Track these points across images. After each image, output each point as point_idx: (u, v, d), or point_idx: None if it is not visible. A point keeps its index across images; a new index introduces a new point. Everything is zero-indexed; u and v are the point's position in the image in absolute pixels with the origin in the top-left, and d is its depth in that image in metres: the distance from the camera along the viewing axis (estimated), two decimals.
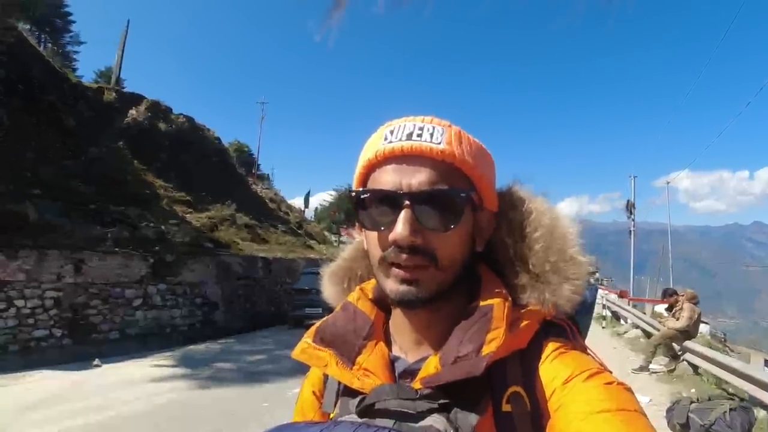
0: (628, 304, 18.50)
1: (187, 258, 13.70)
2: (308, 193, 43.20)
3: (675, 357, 9.61)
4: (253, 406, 6.91)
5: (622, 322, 17.34)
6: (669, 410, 6.17)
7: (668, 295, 10.56)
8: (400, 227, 0.69)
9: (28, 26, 19.12)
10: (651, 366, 9.62)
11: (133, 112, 20.04)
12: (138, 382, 8.16)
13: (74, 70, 25.22)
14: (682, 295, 9.88)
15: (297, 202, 40.39)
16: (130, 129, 19.35)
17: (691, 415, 5.76)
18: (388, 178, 0.72)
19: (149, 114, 20.57)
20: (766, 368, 6.89)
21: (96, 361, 9.34)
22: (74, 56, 31.87)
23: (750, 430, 5.48)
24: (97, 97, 19.07)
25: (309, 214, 43.66)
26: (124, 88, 23.00)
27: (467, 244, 0.76)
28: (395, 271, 0.72)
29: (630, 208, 32.96)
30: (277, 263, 18.72)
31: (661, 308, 14.23)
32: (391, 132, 0.74)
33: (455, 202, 0.73)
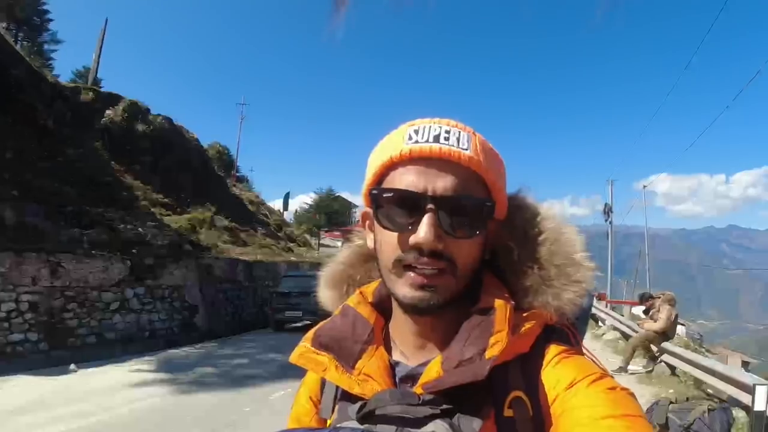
0: (606, 306, 18.71)
1: (166, 261, 13.51)
2: (287, 195, 42.87)
3: (653, 358, 9.74)
4: (236, 412, 6.84)
5: (600, 324, 17.53)
6: (648, 411, 6.22)
7: (644, 299, 10.71)
8: (424, 231, 0.68)
9: (4, 24, 18.76)
10: (629, 367, 9.74)
11: (110, 112, 19.72)
12: (117, 387, 8.01)
13: (51, 69, 24.79)
14: (659, 298, 10.02)
15: (276, 204, 40.08)
16: (108, 129, 19.06)
17: (670, 415, 5.83)
18: (411, 179, 0.71)
19: (127, 114, 20.26)
20: (743, 369, 7.02)
21: (72, 366, 9.13)
22: (52, 55, 31.35)
23: (729, 430, 5.57)
24: (74, 96, 18.75)
25: (288, 216, 43.42)
26: (101, 87, 22.62)
27: (482, 253, 0.76)
28: (411, 275, 0.70)
29: (607, 211, 33.42)
30: (258, 266, 18.61)
31: (638, 310, 14.43)
32: (416, 131, 0.73)
33: (480, 211, 0.73)
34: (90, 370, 9.22)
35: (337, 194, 61.40)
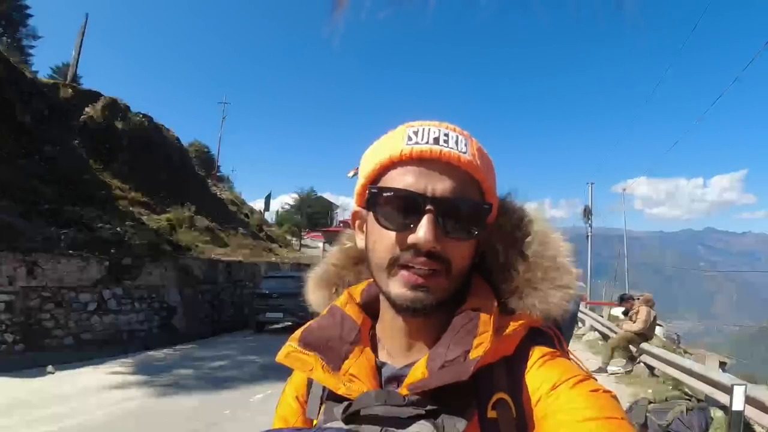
0: (586, 308, 18.92)
1: (145, 261, 13.34)
2: (269, 195, 42.76)
3: (632, 359, 9.86)
4: (215, 414, 6.77)
5: (580, 324, 17.70)
6: (627, 411, 6.29)
7: (624, 300, 10.86)
8: (424, 231, 0.68)
9: None
10: (609, 368, 9.85)
11: (89, 109, 19.41)
12: (95, 390, 7.89)
13: (30, 65, 24.35)
14: (638, 299, 10.16)
15: (257, 204, 39.91)
16: (87, 127, 18.76)
17: (649, 415, 5.91)
18: (410, 180, 0.71)
19: (106, 112, 19.94)
20: (720, 369, 7.14)
21: (49, 368, 8.97)
22: (30, 51, 30.80)
23: (707, 429, 5.65)
24: (53, 93, 18.43)
25: (269, 216, 43.27)
26: (80, 84, 22.27)
27: (474, 255, 0.76)
28: (406, 275, 0.71)
29: (587, 214, 33.81)
30: (238, 267, 18.45)
31: (617, 311, 14.60)
32: (415, 133, 0.74)
33: (478, 214, 0.74)
34: (67, 372, 9.05)
35: (319, 194, 61.40)
